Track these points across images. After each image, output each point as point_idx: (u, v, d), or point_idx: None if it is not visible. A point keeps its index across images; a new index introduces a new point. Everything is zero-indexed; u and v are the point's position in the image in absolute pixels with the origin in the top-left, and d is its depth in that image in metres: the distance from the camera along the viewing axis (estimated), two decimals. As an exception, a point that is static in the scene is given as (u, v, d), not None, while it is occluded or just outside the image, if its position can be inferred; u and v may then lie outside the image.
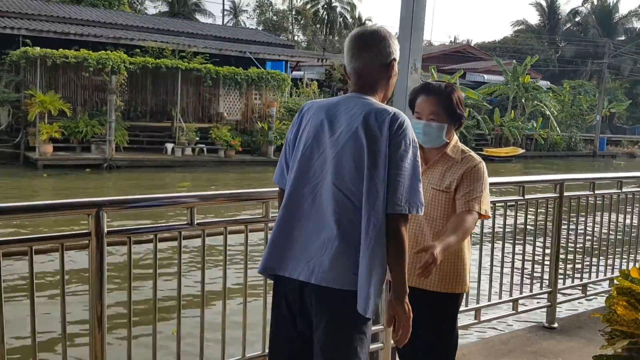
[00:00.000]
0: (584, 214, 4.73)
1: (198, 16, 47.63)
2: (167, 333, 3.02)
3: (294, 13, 49.15)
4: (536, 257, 4.57)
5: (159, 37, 23.79)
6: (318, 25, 52.27)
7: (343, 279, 2.06)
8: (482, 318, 4.01)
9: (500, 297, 4.21)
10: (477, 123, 29.89)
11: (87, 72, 19.07)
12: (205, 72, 21.22)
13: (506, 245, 4.11)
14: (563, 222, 4.45)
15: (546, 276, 4.50)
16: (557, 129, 33.30)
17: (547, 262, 4.43)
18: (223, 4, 48.59)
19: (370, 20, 56.55)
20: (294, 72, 29.16)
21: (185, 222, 2.76)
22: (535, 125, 32.96)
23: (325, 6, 52.15)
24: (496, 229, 4.04)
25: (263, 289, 3.09)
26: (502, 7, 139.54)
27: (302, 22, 49.30)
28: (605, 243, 4.97)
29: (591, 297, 5.07)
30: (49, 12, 23.83)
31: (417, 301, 2.42)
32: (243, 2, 53.86)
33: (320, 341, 2.10)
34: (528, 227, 4.49)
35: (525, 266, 4.48)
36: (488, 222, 3.71)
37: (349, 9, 53.56)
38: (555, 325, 4.47)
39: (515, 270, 4.23)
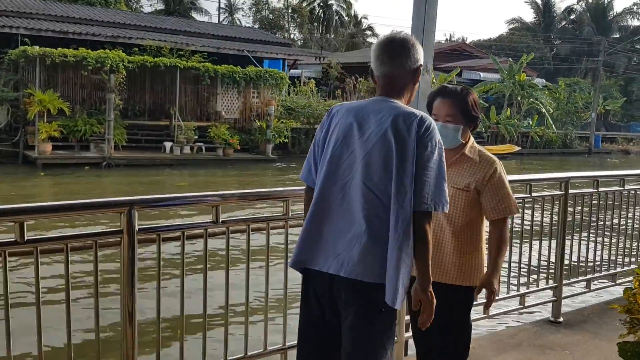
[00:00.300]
0: (587, 210, 4.85)
1: (194, 14, 47.62)
2: (194, 326, 3.11)
3: (290, 11, 49.20)
4: (541, 253, 4.69)
5: (156, 35, 23.83)
6: (315, 24, 52.34)
7: (371, 272, 2.18)
8: (491, 312, 4.13)
9: (508, 292, 4.32)
10: (473, 121, 29.96)
11: (86, 70, 19.08)
12: (203, 71, 21.27)
13: (513, 241, 4.23)
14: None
15: (551, 271, 4.63)
16: (553, 126, 33.53)
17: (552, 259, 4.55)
18: (219, 2, 48.61)
19: (366, 18, 56.60)
20: (291, 71, 29.21)
21: (210, 220, 2.86)
22: (531, 122, 33.15)
23: (321, 4, 52.21)
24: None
25: (283, 284, 3.21)
26: (497, 5, 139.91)
27: (298, 20, 49.35)
28: (608, 240, 5.09)
29: (594, 292, 5.20)
30: (47, 11, 23.82)
31: (436, 293, 2.54)
32: (239, 0, 53.64)
33: (348, 331, 2.22)
34: (533, 223, 4.61)
35: (531, 262, 4.59)
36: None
37: (344, 6, 53.66)
38: (561, 319, 4.59)
39: (521, 265, 4.36)
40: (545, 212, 4.50)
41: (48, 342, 2.55)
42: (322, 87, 28.82)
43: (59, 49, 18.89)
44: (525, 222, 4.46)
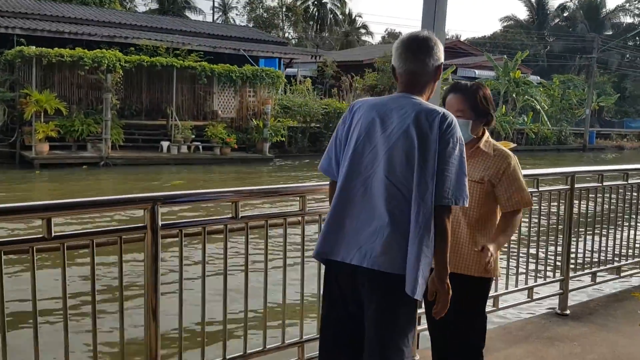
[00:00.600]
0: (592, 204, 4.92)
1: (188, 13, 47.55)
2: (215, 321, 3.15)
3: (284, 10, 49.19)
4: (548, 247, 4.75)
5: (152, 35, 23.80)
6: (311, 22, 52.34)
7: (393, 263, 2.23)
8: (500, 305, 4.20)
9: (516, 285, 4.39)
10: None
11: (83, 70, 19.05)
12: (200, 70, 21.26)
13: (522, 235, 4.29)
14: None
15: (557, 264, 4.69)
16: (548, 123, 33.67)
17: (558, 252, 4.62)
18: (213, 1, 48.54)
19: (360, 16, 56.63)
20: (287, 69, 29.24)
21: (229, 216, 2.90)
22: (526, 119, 33.28)
23: (316, 2, 52.23)
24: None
25: (300, 279, 3.25)
26: (491, 3, 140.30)
27: (292, 19, 49.35)
28: (612, 233, 5.16)
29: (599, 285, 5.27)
30: (43, 10, 23.75)
31: (451, 284, 2.59)
32: (232, -1, 53.56)
33: (371, 321, 2.28)
34: (540, 217, 4.67)
35: (539, 255, 4.65)
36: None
37: (339, 5, 53.72)
38: (568, 312, 4.66)
39: (529, 259, 4.42)
40: (551, 206, 4.57)
41: (72, 341, 2.58)
42: (318, 85, 28.86)
43: (55, 48, 18.86)
44: (532, 216, 4.52)
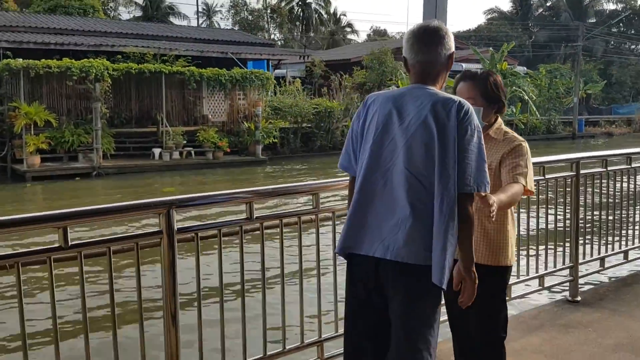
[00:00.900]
0: (597, 190, 4.93)
1: (172, 19, 47.42)
2: (233, 321, 3.12)
3: (269, 12, 49.09)
4: (557, 234, 4.75)
5: (139, 42, 23.65)
6: (297, 23, 52.27)
7: (417, 255, 2.23)
8: (513, 294, 4.20)
9: (527, 274, 4.38)
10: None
11: (71, 81, 18.91)
12: (189, 75, 21.17)
13: (530, 225, 4.29)
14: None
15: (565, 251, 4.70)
16: (536, 113, 33.78)
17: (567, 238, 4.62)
18: (197, 6, 48.38)
19: (345, 15, 56.61)
20: (276, 71, 29.19)
21: (244, 217, 2.87)
22: (514, 110, 33.36)
23: (300, 3, 52.18)
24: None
25: (316, 277, 3.22)
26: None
27: (277, 20, 49.26)
28: (618, 218, 5.17)
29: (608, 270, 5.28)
30: (27, 22, 23.58)
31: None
32: (216, 3, 53.44)
33: (397, 312, 2.27)
34: (548, 204, 4.67)
35: (547, 243, 4.65)
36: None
37: (323, 4, 53.70)
38: (579, 298, 4.66)
39: (538, 247, 4.42)
40: (558, 192, 4.58)
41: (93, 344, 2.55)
42: (307, 85, 28.82)
43: (42, 60, 18.72)
44: (540, 205, 4.52)
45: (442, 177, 2.21)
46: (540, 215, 4.50)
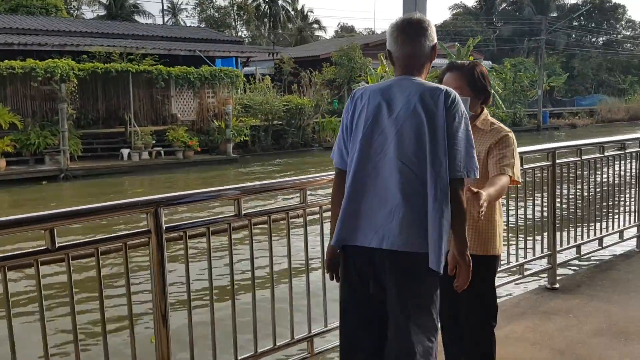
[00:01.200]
0: (573, 177, 5.03)
1: (137, 17, 46.70)
2: (224, 320, 3.10)
3: (235, 9, 48.71)
4: (535, 223, 4.83)
5: (104, 41, 23.21)
6: (264, 20, 51.99)
7: (412, 243, 2.25)
8: (497, 283, 4.24)
9: (508, 262, 4.45)
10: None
11: (36, 82, 18.47)
12: (156, 74, 20.87)
13: (510, 213, 4.36)
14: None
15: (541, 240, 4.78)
16: (502, 106, 34.32)
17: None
18: (162, 4, 47.75)
19: (311, 12, 56.57)
20: (245, 68, 28.99)
21: (233, 214, 2.85)
22: (481, 104, 33.85)
23: (267, 0, 51.90)
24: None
25: (305, 273, 3.22)
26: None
27: (244, 17, 48.91)
28: (592, 207, 5.29)
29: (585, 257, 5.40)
30: (-13, 23, 22.93)
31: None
32: (181, 1, 52.81)
33: (396, 301, 2.29)
34: (527, 194, 4.75)
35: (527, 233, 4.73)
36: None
37: (290, 1, 53.55)
38: (557, 285, 4.76)
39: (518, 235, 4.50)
40: (535, 181, 4.65)
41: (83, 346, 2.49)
42: (276, 82, 28.70)
43: (6, 61, 18.24)
44: (518, 193, 4.59)
45: (434, 164, 2.24)
46: (518, 205, 4.58)
